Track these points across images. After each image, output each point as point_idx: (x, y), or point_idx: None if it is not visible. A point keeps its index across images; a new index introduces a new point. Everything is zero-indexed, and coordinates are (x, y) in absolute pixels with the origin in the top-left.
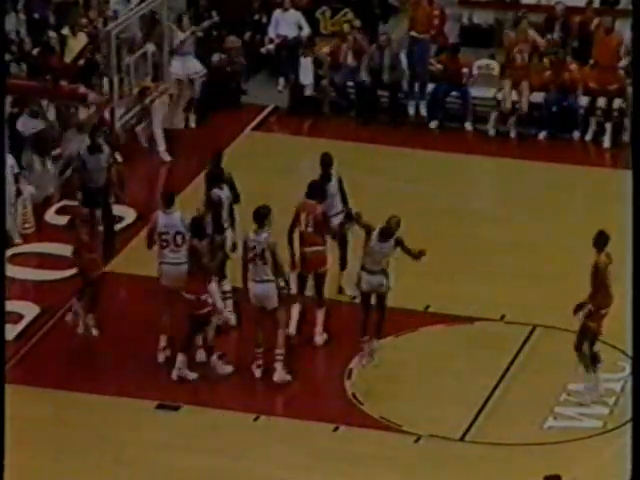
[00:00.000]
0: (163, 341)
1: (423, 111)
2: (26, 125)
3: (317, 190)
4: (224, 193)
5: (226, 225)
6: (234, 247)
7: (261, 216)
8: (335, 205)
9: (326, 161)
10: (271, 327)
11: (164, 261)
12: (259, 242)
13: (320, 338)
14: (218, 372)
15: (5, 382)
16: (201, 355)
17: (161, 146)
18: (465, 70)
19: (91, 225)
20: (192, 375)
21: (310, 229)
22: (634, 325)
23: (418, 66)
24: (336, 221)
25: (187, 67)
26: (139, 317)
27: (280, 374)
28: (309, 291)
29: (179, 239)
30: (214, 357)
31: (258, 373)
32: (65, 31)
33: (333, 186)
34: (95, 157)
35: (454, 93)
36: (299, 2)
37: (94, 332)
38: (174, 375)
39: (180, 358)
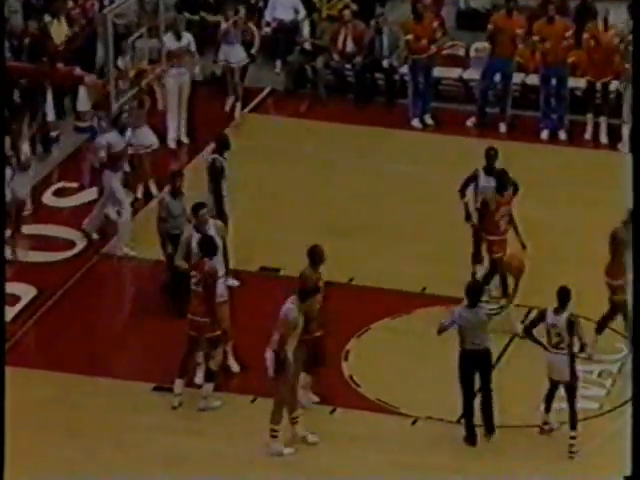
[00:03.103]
0: None
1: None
2: None
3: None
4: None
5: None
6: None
7: None
8: None
9: (491, 154)
10: None
11: None
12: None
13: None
14: (207, 404)
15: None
16: (199, 378)
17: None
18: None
19: None
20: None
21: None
22: (634, 312)
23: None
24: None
25: (230, 55)
26: (138, 300)
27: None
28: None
29: None
30: (210, 386)
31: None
32: (54, 18)
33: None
34: (178, 202)
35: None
36: None
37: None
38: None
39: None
